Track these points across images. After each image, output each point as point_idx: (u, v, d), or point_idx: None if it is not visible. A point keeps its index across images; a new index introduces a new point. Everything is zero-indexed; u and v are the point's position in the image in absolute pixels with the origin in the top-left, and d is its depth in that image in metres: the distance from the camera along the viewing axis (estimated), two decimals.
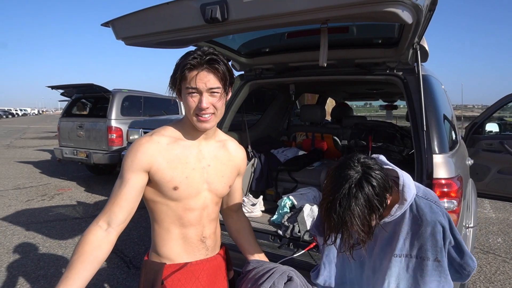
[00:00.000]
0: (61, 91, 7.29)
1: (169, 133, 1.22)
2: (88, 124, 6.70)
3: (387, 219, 1.19)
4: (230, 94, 1.22)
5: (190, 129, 1.23)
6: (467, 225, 2.26)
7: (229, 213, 1.53)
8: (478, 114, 4.37)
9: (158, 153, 1.16)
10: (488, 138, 4.03)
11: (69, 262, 1.08)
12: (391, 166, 1.23)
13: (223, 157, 1.31)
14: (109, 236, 1.14)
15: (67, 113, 7.35)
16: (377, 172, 1.06)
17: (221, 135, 1.38)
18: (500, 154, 3.81)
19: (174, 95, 1.20)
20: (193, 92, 1.13)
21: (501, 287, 3.01)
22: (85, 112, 7.68)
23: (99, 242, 1.12)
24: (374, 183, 1.03)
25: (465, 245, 1.19)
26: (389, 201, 1.13)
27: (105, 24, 1.73)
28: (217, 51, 1.16)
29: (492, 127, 4.35)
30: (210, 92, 1.13)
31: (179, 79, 1.13)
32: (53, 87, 6.96)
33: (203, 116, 1.14)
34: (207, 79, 1.12)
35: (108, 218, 1.14)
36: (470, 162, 2.71)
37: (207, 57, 1.12)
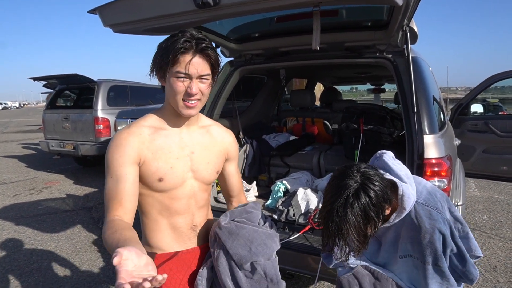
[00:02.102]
0: (44, 82, 7.10)
1: (149, 123, 1.19)
2: (74, 116, 6.57)
3: (386, 224, 1.21)
4: (215, 82, 1.21)
5: (171, 116, 1.19)
6: (456, 203, 2.32)
7: (228, 199, 1.50)
8: (462, 96, 4.46)
9: (142, 145, 1.13)
10: (473, 119, 4.12)
11: (112, 243, 0.91)
12: (393, 173, 1.21)
13: (208, 143, 1.28)
14: (129, 221, 1.06)
15: (51, 105, 7.18)
16: (376, 183, 1.05)
17: (205, 120, 1.34)
18: (485, 134, 3.90)
19: (153, 77, 1.16)
20: (183, 77, 1.10)
21: (487, 262, 3.13)
22: (70, 104, 7.52)
23: (123, 223, 1.02)
24: (372, 194, 1.03)
25: (467, 253, 1.18)
26: (388, 211, 1.14)
27: (92, 11, 1.68)
28: (204, 35, 1.13)
29: (477, 108, 4.45)
30: (200, 78, 1.11)
31: (171, 63, 1.09)
32: (35, 79, 6.77)
33: (190, 102, 1.12)
34: (199, 65, 1.09)
35: (122, 211, 1.06)
36: (457, 142, 2.77)
37: (201, 44, 1.09)
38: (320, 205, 2.25)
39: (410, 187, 1.17)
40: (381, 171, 1.21)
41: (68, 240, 3.74)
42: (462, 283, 1.22)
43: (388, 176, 1.19)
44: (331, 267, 1.42)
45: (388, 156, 1.29)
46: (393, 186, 1.17)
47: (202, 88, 1.12)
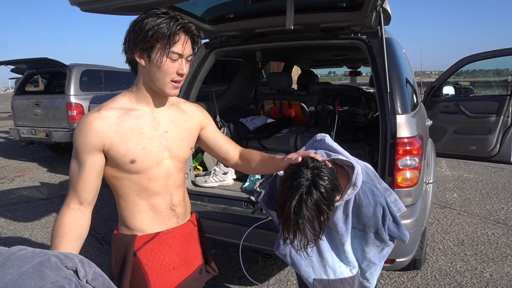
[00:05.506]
0: (12, 67, 6.79)
1: (119, 104, 1.16)
2: (45, 102, 6.34)
3: (337, 203, 1.31)
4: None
5: (144, 97, 1.17)
6: (427, 181, 2.41)
7: (234, 159, 1.44)
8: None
9: (109, 128, 1.10)
10: (445, 100, 4.25)
11: (51, 247, 1.04)
12: (344, 154, 1.31)
13: (180, 120, 1.28)
14: (84, 214, 1.14)
15: (21, 90, 6.89)
16: (325, 177, 1.14)
17: (172, 98, 1.31)
18: (456, 115, 4.03)
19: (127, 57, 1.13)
20: (176, 57, 1.10)
21: (456, 237, 3.29)
22: (40, 89, 7.24)
23: (76, 221, 1.11)
24: (322, 190, 1.12)
25: (400, 219, 1.38)
26: (338, 198, 1.25)
27: None
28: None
29: (448, 90, 4.59)
30: (186, 58, 1.13)
31: (171, 43, 1.07)
32: (2, 63, 6.46)
33: (178, 82, 1.14)
34: (189, 45, 1.12)
35: (77, 199, 1.13)
36: (429, 123, 2.85)
37: (189, 24, 1.11)
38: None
39: (360, 167, 1.30)
40: (332, 153, 1.32)
41: (43, 229, 3.66)
42: (395, 240, 1.40)
43: (341, 157, 1.29)
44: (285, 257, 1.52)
45: (330, 139, 1.40)
46: (341, 169, 1.29)
47: (187, 68, 1.14)
